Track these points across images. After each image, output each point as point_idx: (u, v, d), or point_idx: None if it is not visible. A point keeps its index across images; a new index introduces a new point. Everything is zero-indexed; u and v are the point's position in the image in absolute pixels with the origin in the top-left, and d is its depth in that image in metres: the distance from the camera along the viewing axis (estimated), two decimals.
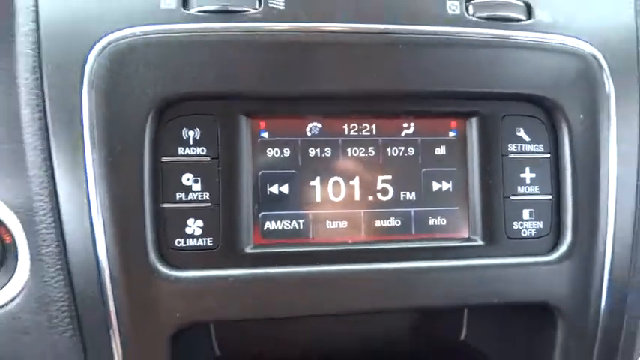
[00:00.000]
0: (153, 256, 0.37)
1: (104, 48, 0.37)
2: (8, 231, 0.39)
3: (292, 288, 0.39)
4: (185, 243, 0.38)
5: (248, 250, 0.39)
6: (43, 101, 0.38)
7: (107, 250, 0.37)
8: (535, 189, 0.42)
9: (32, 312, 0.38)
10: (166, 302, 0.38)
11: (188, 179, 0.38)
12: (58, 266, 0.38)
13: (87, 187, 0.37)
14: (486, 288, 0.41)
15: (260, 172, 0.40)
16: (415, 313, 0.48)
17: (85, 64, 0.37)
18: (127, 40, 0.37)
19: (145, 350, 0.38)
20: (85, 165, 0.37)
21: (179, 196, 0.38)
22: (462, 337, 0.48)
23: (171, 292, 0.37)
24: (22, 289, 0.39)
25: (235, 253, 0.39)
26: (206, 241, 0.39)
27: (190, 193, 0.38)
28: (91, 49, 0.37)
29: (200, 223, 0.38)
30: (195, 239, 0.38)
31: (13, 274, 0.40)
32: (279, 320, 0.45)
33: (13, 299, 0.39)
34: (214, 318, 0.41)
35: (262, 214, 0.40)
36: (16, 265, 0.40)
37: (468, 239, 0.42)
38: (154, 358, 0.38)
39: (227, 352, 0.45)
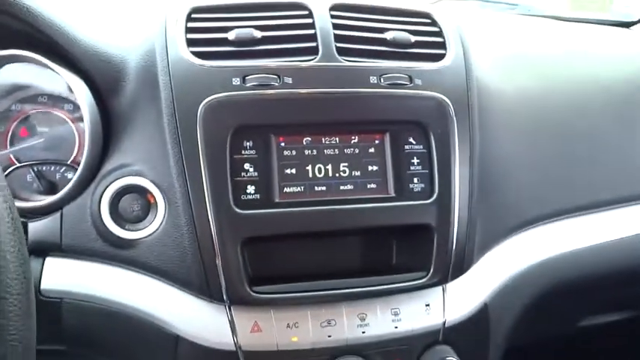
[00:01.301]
0: (232, 204, 0.62)
1: (206, 103, 0.62)
2: (153, 196, 0.65)
3: (299, 216, 0.64)
4: (246, 197, 0.63)
5: (276, 200, 0.64)
6: (177, 129, 0.63)
7: (209, 201, 0.61)
8: (419, 167, 0.68)
9: (168, 235, 0.63)
10: (237, 226, 0.62)
11: (247, 166, 0.64)
12: (185, 211, 0.62)
13: (201, 171, 0.62)
14: (397, 217, 0.67)
15: (280, 162, 0.65)
16: (366, 249, 0.72)
17: (197, 112, 0.62)
18: (217, 99, 0.63)
19: (228, 251, 0.61)
20: (200, 160, 0.62)
21: (243, 174, 0.63)
22: (394, 262, 0.73)
23: (240, 221, 0.62)
24: (161, 224, 0.64)
25: (271, 202, 0.64)
26: (256, 196, 0.63)
27: (249, 172, 0.64)
28: (199, 104, 0.62)
29: (253, 187, 0.64)
30: (250, 195, 0.63)
31: (155, 217, 0.64)
32: (290, 250, 0.68)
33: (157, 229, 0.64)
34: (260, 234, 0.62)
35: (282, 183, 0.65)
36: (156, 213, 0.64)
37: (387, 194, 0.67)
38: (234, 258, 0.62)
39: (257, 273, 0.66)
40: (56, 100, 0.76)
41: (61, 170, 0.76)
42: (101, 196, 0.66)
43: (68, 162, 0.75)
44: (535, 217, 0.79)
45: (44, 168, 0.75)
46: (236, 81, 0.65)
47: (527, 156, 0.80)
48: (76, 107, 0.72)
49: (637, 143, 0.91)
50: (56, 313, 0.66)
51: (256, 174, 0.65)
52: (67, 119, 0.75)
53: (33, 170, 0.74)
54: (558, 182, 0.81)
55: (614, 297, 1.00)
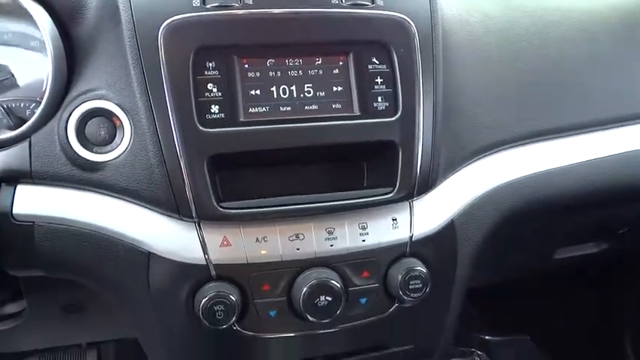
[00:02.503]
0: (196, 122, 0.63)
1: (167, 24, 0.63)
2: (119, 119, 0.66)
3: (265, 134, 0.65)
4: (211, 117, 0.64)
5: (241, 119, 0.65)
6: (139, 51, 0.63)
7: (174, 120, 0.63)
8: (383, 86, 0.69)
9: (136, 155, 0.65)
10: (203, 144, 0.63)
11: (210, 86, 0.64)
12: (151, 131, 0.63)
13: (164, 92, 0.63)
14: (362, 134, 0.68)
15: (245, 83, 0.66)
16: (336, 172, 0.73)
17: (158, 34, 0.63)
18: (177, 21, 0.63)
19: (195, 169, 0.63)
20: (162, 81, 0.63)
21: (206, 94, 0.64)
22: (364, 184, 0.74)
23: (205, 138, 0.63)
24: (128, 145, 0.65)
25: (235, 121, 0.65)
26: (220, 115, 0.64)
27: (212, 93, 0.64)
28: (160, 26, 0.63)
29: (217, 107, 0.64)
30: (215, 114, 0.64)
31: (121, 139, 0.65)
32: (259, 173, 0.70)
33: (124, 151, 0.65)
34: (226, 151, 0.63)
35: (247, 103, 0.66)
36: (123, 135, 0.65)
37: (352, 112, 0.68)
38: (201, 175, 0.63)
39: (228, 196, 0.68)
40: (21, 37, 0.76)
41: (31, 106, 0.77)
42: (67, 121, 0.66)
43: (37, 98, 0.76)
44: (500, 141, 0.80)
45: (14, 105, 0.76)
46: (196, 2, 0.65)
47: (492, 81, 0.81)
48: (42, 44, 0.73)
49: (602, 72, 0.92)
50: (30, 237, 0.68)
51: (220, 94, 0.65)
52: (34, 56, 0.75)
53: (2, 107, 0.75)
54: (523, 107, 0.82)
55: (586, 222, 1.02)
